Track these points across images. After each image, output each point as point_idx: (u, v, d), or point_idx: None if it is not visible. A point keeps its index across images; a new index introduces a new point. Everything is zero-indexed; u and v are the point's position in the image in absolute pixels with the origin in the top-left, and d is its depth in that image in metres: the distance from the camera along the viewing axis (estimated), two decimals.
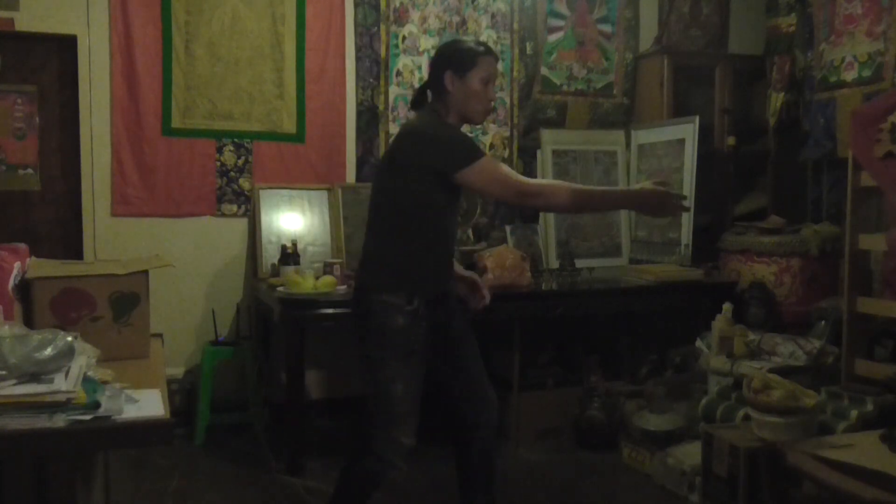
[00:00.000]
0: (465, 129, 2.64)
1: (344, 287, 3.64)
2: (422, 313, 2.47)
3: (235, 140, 4.20)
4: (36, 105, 3.92)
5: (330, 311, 3.52)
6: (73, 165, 3.98)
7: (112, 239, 4.00)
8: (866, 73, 3.99)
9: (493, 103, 2.61)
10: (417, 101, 2.64)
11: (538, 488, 3.45)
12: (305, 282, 3.53)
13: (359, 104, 4.39)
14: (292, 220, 4.17)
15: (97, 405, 1.58)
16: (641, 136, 4.69)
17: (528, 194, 2.44)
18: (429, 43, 4.46)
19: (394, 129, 4.38)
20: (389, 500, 2.60)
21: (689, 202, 4.25)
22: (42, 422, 1.52)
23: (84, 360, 1.75)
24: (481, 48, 2.55)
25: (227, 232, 4.21)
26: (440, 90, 2.52)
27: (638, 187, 2.51)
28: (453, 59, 2.53)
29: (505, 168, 2.47)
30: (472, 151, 2.42)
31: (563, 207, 2.57)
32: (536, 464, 3.73)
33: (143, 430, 1.60)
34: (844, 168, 3.43)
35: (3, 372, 1.60)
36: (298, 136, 4.29)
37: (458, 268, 2.76)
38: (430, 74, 2.58)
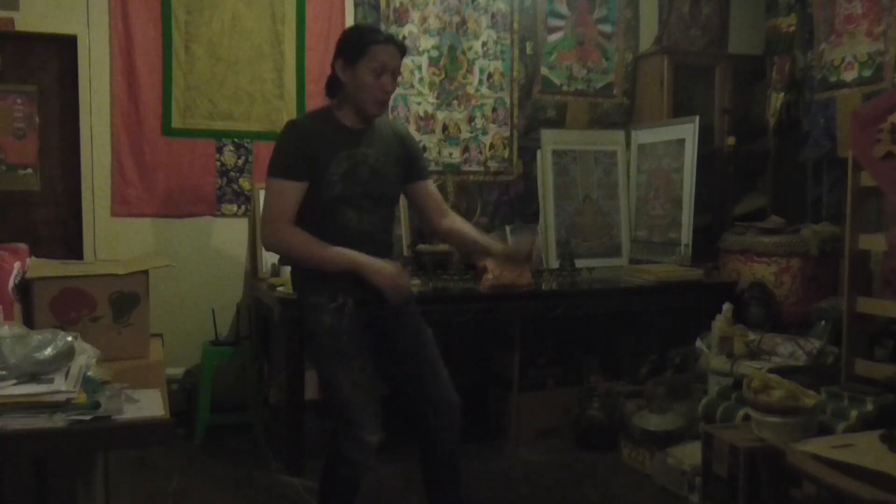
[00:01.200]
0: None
1: None
2: (350, 310, 2.42)
3: (235, 140, 4.20)
4: (36, 105, 3.92)
5: None
6: (73, 165, 3.98)
7: (112, 239, 4.00)
8: (866, 73, 3.99)
9: (388, 94, 2.43)
10: (328, 89, 2.52)
11: (538, 488, 3.45)
12: None
13: None
14: None
15: (97, 405, 1.58)
16: (641, 136, 4.69)
17: (271, 238, 2.39)
18: (429, 43, 4.46)
19: None
20: (367, 499, 2.60)
21: (689, 202, 4.27)
22: (42, 422, 1.52)
23: (84, 360, 1.75)
24: (378, 36, 2.41)
25: (227, 232, 4.21)
26: (336, 79, 2.44)
27: (377, 266, 2.39)
28: (344, 46, 2.42)
29: (279, 203, 2.35)
30: (276, 166, 2.38)
31: (298, 259, 2.44)
32: (536, 464, 3.73)
33: (143, 430, 1.60)
34: (844, 168, 3.43)
35: (3, 372, 1.60)
36: None
37: (484, 241, 2.63)
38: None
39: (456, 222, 2.67)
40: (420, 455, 2.63)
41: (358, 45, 2.39)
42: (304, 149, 2.37)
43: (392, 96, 2.51)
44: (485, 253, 2.71)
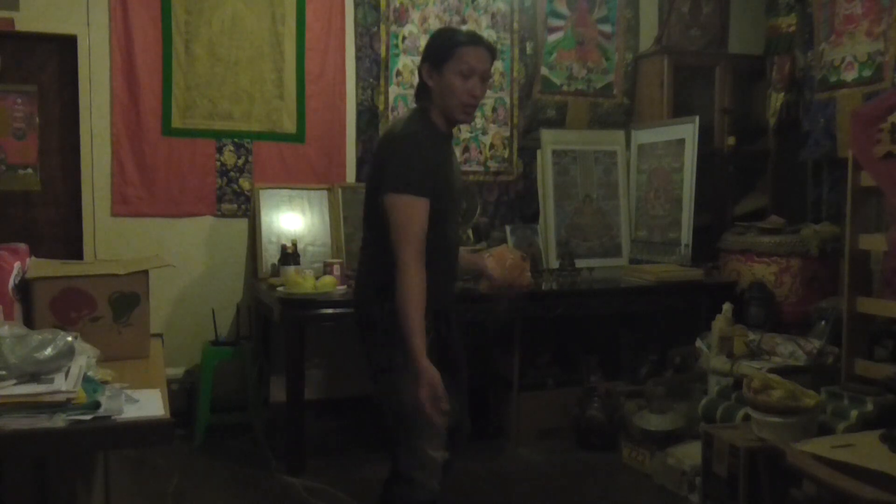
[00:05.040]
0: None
1: (344, 287, 3.64)
2: (426, 323, 2.23)
3: (235, 140, 4.20)
4: (36, 105, 3.92)
5: (330, 311, 3.52)
6: (73, 165, 3.98)
7: (112, 239, 4.00)
8: (866, 73, 3.98)
9: (477, 99, 2.29)
10: (417, 93, 2.41)
11: (538, 488, 3.45)
12: (305, 282, 3.53)
13: (359, 104, 4.39)
14: (292, 220, 4.17)
15: (97, 405, 1.58)
16: (641, 136, 4.69)
17: (399, 261, 2.17)
18: None
19: None
20: None
21: (689, 202, 4.27)
22: (42, 422, 1.52)
23: (84, 360, 1.75)
24: (464, 38, 2.30)
25: (227, 232, 4.21)
26: (423, 84, 2.33)
27: (431, 372, 2.13)
28: (430, 50, 2.31)
29: (414, 225, 2.17)
30: (407, 182, 2.18)
31: (400, 297, 2.19)
32: (536, 464, 3.73)
33: (143, 430, 1.60)
34: (844, 168, 3.43)
35: (3, 372, 1.60)
36: (298, 136, 4.29)
37: (464, 255, 2.55)
38: None
39: None
40: None
41: (444, 47, 2.28)
42: (429, 163, 2.23)
43: (479, 102, 2.33)
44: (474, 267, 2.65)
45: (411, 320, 2.16)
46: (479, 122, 4.61)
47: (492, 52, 2.34)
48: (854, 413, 2.84)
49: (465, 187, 2.43)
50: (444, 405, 2.13)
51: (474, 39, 2.31)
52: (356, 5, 4.34)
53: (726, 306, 3.60)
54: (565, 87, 4.80)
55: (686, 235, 4.30)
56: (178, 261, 3.96)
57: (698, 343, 3.72)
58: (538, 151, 4.49)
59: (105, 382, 1.74)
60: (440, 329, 2.39)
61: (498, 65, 4.62)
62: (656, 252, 4.48)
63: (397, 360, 2.24)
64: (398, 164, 2.22)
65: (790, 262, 3.93)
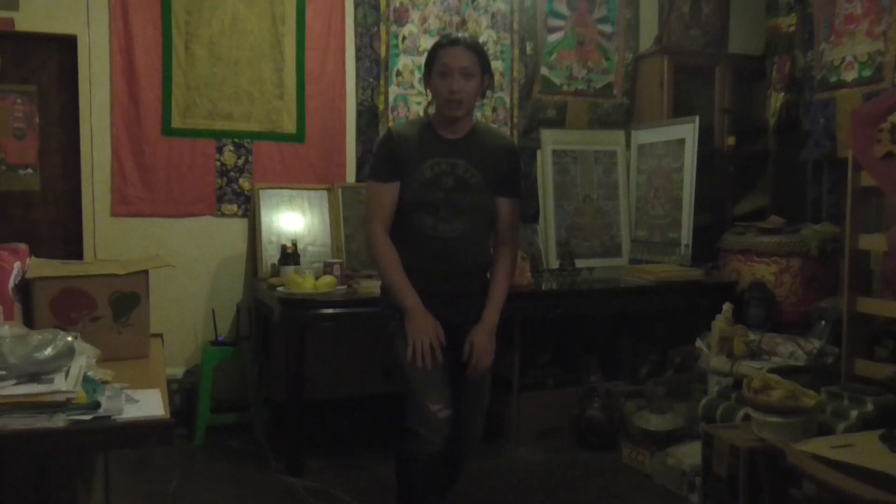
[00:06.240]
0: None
1: (344, 287, 3.64)
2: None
3: (235, 140, 4.20)
4: (36, 105, 3.91)
5: (330, 311, 3.52)
6: (73, 165, 3.97)
7: (112, 239, 4.00)
8: (866, 73, 3.98)
9: (457, 94, 2.46)
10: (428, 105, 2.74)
11: (538, 488, 3.45)
12: (305, 282, 3.53)
13: (359, 104, 4.39)
14: (292, 220, 4.17)
15: (97, 405, 1.58)
16: (641, 136, 4.69)
17: (366, 235, 2.57)
18: (429, 43, 4.43)
19: None
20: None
21: (689, 202, 4.27)
22: (42, 422, 1.52)
23: (84, 360, 1.75)
24: (441, 42, 2.55)
25: (227, 232, 4.21)
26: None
27: (418, 316, 2.45)
28: (424, 63, 2.58)
29: (373, 204, 2.54)
30: (370, 169, 2.69)
31: (374, 264, 2.61)
32: (536, 464, 3.73)
33: (143, 430, 1.61)
34: (844, 168, 3.43)
35: (3, 372, 1.60)
36: (298, 136, 4.29)
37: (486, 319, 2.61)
38: None
39: (498, 264, 2.65)
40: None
41: (429, 56, 2.54)
42: (393, 152, 2.52)
43: (464, 97, 2.49)
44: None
45: (387, 278, 2.53)
46: None
47: (471, 48, 2.52)
48: (854, 413, 2.84)
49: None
50: (432, 351, 2.41)
51: (451, 40, 2.53)
52: (356, 5, 4.34)
53: (726, 306, 3.60)
54: (565, 87, 4.80)
55: (686, 235, 4.30)
56: (178, 261, 3.95)
57: (698, 343, 3.72)
58: (538, 151, 4.49)
59: (105, 382, 1.74)
60: (446, 315, 2.53)
61: (498, 65, 4.62)
62: (656, 252, 4.48)
63: (390, 327, 2.53)
64: (373, 156, 2.67)
65: (790, 262, 3.93)
